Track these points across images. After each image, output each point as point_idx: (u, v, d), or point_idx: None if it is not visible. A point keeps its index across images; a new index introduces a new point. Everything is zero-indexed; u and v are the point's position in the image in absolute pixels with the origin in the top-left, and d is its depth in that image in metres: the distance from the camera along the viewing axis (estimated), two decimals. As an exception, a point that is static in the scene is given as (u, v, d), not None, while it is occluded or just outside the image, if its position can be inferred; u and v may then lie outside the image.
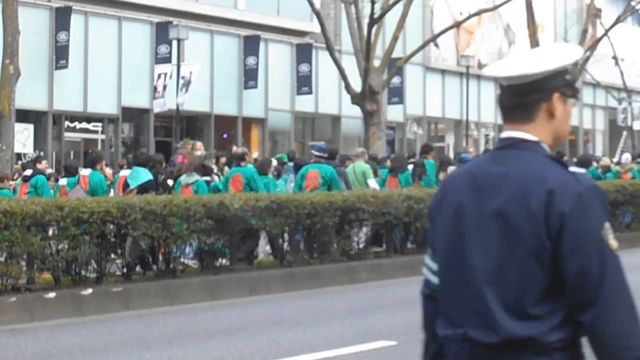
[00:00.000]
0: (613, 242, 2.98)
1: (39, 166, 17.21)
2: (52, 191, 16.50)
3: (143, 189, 14.92)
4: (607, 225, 2.97)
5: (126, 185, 15.44)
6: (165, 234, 13.26)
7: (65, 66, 28.70)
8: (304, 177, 16.58)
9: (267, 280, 14.61)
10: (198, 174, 15.98)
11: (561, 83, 3.03)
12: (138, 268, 14.20)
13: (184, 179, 15.88)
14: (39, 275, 12.65)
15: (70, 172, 16.47)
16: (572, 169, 2.96)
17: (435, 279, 3.12)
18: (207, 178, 16.72)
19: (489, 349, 2.92)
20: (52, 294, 12.15)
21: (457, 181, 3.09)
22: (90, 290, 12.52)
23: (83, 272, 12.77)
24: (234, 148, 25.29)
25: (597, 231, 2.94)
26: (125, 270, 13.44)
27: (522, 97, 3.03)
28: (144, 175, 15.49)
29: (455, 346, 2.99)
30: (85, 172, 15.49)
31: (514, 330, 2.89)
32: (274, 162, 19.64)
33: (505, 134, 3.08)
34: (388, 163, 20.64)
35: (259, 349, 9.79)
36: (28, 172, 16.82)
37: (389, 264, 16.34)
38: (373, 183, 18.00)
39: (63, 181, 16.04)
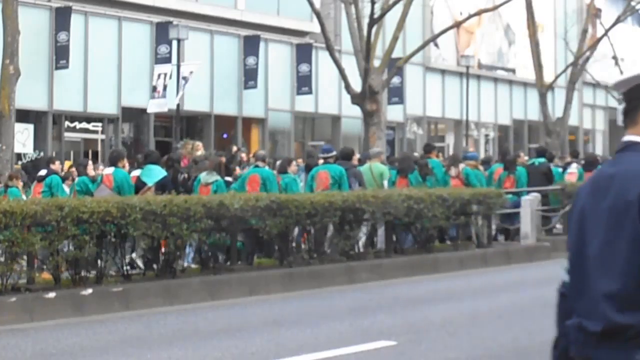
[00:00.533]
0: None
1: (52, 167, 17.38)
2: (67, 190, 16.63)
3: (160, 185, 15.18)
4: None
5: (141, 183, 15.49)
6: (165, 234, 13.27)
7: (66, 66, 28.70)
8: (314, 178, 16.78)
9: (267, 280, 14.61)
10: (218, 174, 16.09)
11: None
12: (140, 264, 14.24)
13: (204, 177, 15.99)
14: (39, 275, 12.65)
15: (80, 170, 16.60)
16: None
17: (567, 277, 3.37)
18: (229, 178, 16.99)
19: (596, 338, 3.13)
20: (52, 294, 12.15)
21: (584, 187, 3.38)
22: (90, 290, 12.51)
23: (83, 272, 12.77)
24: (234, 148, 25.30)
25: None
26: (128, 268, 13.44)
27: (629, 103, 3.39)
28: (158, 172, 15.66)
29: (573, 335, 3.22)
30: (108, 170, 15.59)
31: (615, 318, 3.09)
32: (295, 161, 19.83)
33: (623, 138, 3.41)
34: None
35: (259, 349, 9.79)
36: (42, 172, 16.88)
37: (389, 264, 16.34)
38: (386, 184, 18.15)
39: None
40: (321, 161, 17.50)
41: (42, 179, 16.58)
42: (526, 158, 25.30)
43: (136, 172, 16.34)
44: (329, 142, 36.82)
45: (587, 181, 3.39)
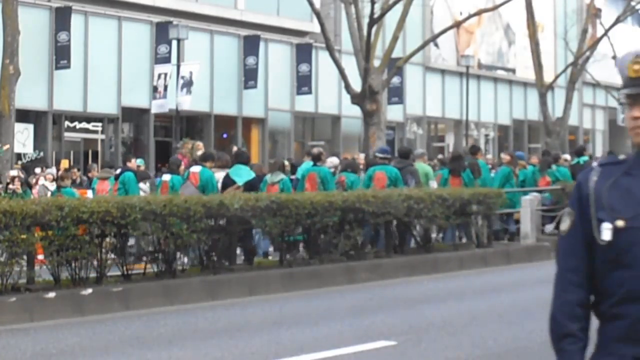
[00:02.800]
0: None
1: (128, 164, 18.35)
2: (138, 187, 17.50)
3: (249, 185, 15.91)
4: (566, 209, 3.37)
5: (230, 181, 16.13)
6: (165, 234, 13.27)
7: (67, 66, 28.70)
8: (371, 178, 17.50)
9: (267, 280, 14.60)
10: (283, 173, 16.99)
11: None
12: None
13: (269, 178, 16.75)
14: (39, 275, 12.65)
15: (173, 169, 17.37)
16: None
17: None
18: (293, 177, 17.99)
19: None
20: (52, 294, 12.15)
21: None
22: (90, 290, 12.51)
23: (83, 272, 12.77)
24: (234, 148, 25.31)
25: None
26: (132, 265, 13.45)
27: None
28: (248, 172, 16.42)
29: None
30: (195, 169, 16.31)
31: None
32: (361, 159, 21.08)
33: None
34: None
35: (259, 349, 9.79)
36: (117, 170, 17.80)
37: (389, 264, 16.34)
38: (434, 184, 18.88)
39: (166, 177, 17.05)
40: (378, 161, 18.36)
41: (117, 177, 17.41)
42: (569, 158, 26.08)
43: (196, 169, 16.63)
44: (329, 142, 36.94)
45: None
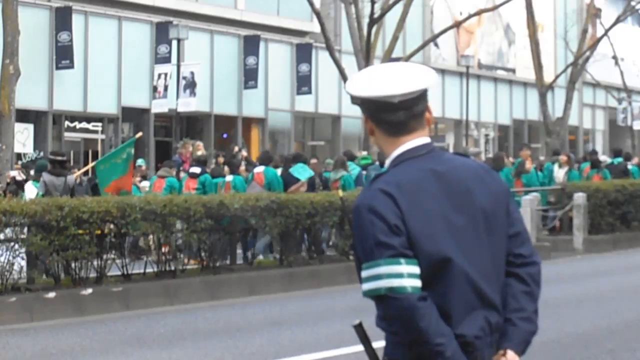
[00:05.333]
0: None
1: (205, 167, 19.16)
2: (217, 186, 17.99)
3: (309, 183, 17.14)
4: None
5: (292, 179, 17.30)
6: (165, 233, 13.27)
7: (70, 66, 28.66)
8: None
9: (267, 280, 14.61)
10: (344, 170, 18.10)
11: None
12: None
13: (332, 175, 17.88)
14: (38, 275, 12.65)
15: (234, 169, 18.43)
16: None
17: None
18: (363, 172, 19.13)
19: None
20: (52, 294, 12.16)
21: None
22: (90, 290, 12.52)
23: (83, 272, 12.77)
24: (235, 149, 25.32)
25: None
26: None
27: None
28: (308, 171, 17.67)
29: None
30: (259, 169, 17.39)
31: None
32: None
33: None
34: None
35: (259, 349, 9.79)
36: (197, 169, 18.54)
37: (389, 264, 16.31)
38: None
39: (229, 178, 17.91)
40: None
41: (195, 176, 18.14)
42: (605, 158, 27.02)
43: (259, 169, 17.58)
44: (329, 142, 36.95)
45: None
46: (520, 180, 21.40)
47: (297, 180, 17.22)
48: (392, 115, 3.40)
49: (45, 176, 15.38)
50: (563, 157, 23.94)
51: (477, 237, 3.35)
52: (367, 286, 3.33)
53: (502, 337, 3.39)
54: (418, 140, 3.43)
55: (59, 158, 16.02)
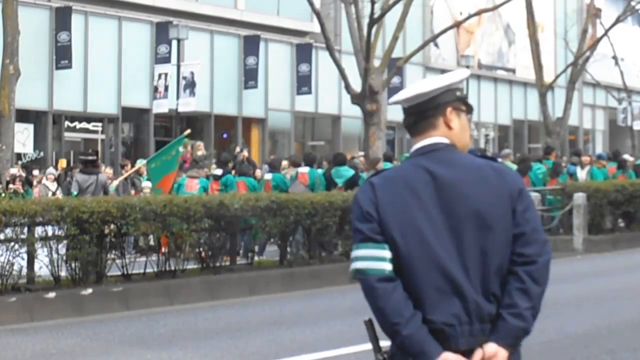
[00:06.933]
0: None
1: (227, 168, 19.56)
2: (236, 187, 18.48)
3: (350, 182, 17.54)
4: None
5: (333, 182, 17.87)
6: (165, 233, 13.27)
7: (68, 66, 28.68)
8: None
9: (267, 280, 14.61)
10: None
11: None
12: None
13: (366, 175, 18.05)
14: (38, 275, 12.65)
15: (275, 167, 19.03)
16: None
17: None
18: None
19: None
20: (52, 294, 12.15)
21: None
22: (90, 290, 12.52)
23: (83, 272, 12.77)
24: (237, 149, 25.31)
25: None
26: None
27: (410, 117, 3.91)
28: (346, 171, 18.10)
29: None
30: (303, 169, 17.99)
31: None
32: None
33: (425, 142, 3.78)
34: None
35: (259, 349, 9.79)
36: (219, 171, 19.29)
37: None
38: None
39: (268, 176, 18.43)
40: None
41: (218, 178, 18.54)
42: (631, 159, 27.65)
43: (268, 176, 18.31)
44: (329, 142, 36.95)
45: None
46: (557, 179, 22.36)
47: (336, 183, 18.04)
48: (407, 118, 3.85)
49: (78, 176, 16.09)
50: (586, 159, 24.36)
51: (459, 233, 3.54)
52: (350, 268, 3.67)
53: (491, 330, 3.57)
54: (428, 140, 3.71)
55: (90, 158, 16.97)
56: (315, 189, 17.23)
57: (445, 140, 3.69)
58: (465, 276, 3.53)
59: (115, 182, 19.38)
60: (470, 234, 3.55)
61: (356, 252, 3.62)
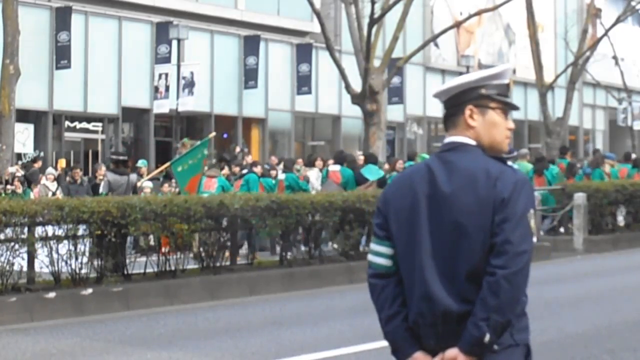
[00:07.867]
0: None
1: (254, 169, 19.67)
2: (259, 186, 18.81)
3: (381, 182, 18.04)
4: None
5: (363, 179, 18.23)
6: (165, 234, 13.27)
7: (68, 66, 28.68)
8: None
9: (267, 280, 14.61)
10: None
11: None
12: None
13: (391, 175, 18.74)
14: (38, 275, 12.65)
15: (288, 167, 19.50)
16: None
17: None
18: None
19: None
20: (52, 294, 12.15)
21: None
22: (90, 290, 12.52)
23: (83, 272, 12.77)
24: (237, 149, 25.32)
25: None
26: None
27: (449, 110, 3.94)
28: (377, 171, 18.68)
29: None
30: (334, 167, 18.39)
31: None
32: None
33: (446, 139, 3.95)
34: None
35: (259, 349, 9.79)
36: (243, 171, 19.76)
37: (389, 264, 16.31)
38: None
39: (282, 176, 18.94)
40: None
41: (241, 176, 19.09)
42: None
43: (335, 168, 18.67)
44: (329, 142, 36.94)
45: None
46: (573, 179, 22.83)
47: (367, 180, 18.31)
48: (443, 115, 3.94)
49: (109, 175, 16.25)
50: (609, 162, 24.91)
51: (438, 238, 3.67)
52: None
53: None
54: (449, 138, 3.85)
55: (122, 158, 17.14)
56: (347, 186, 17.68)
57: (463, 139, 3.79)
58: (438, 279, 3.64)
59: (150, 175, 19.92)
60: (448, 239, 3.65)
61: (370, 245, 3.90)
